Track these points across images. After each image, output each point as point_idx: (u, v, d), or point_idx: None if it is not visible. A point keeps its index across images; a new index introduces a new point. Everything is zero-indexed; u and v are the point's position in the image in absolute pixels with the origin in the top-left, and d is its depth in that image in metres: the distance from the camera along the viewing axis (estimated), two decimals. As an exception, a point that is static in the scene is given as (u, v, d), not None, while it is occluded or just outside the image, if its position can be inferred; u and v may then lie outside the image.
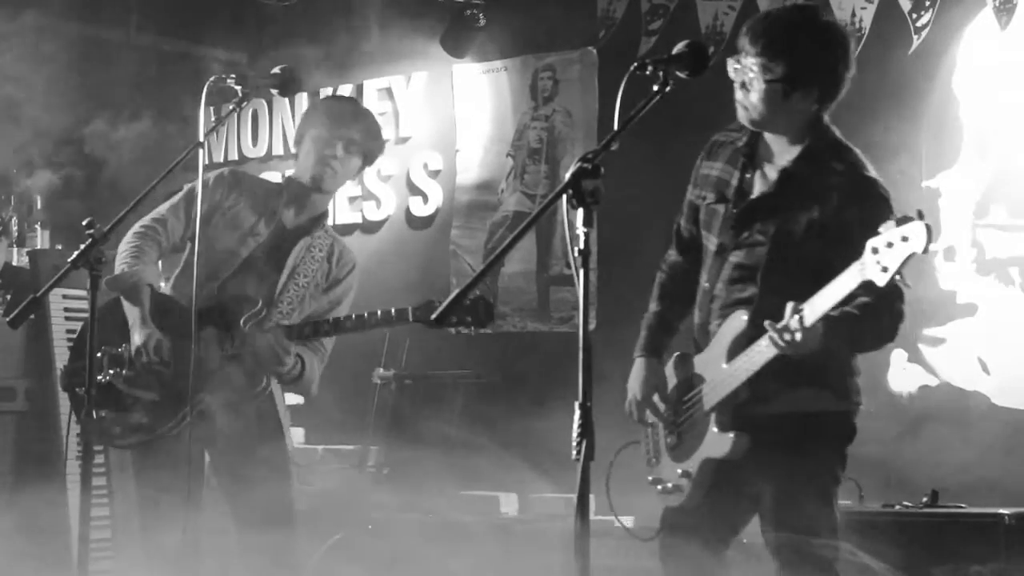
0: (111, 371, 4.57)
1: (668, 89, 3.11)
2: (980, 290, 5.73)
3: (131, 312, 4.58)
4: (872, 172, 3.71)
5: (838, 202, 3.62)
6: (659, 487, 3.87)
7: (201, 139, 4.25)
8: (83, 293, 4.78)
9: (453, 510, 5.99)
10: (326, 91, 7.51)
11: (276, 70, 4.52)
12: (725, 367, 3.69)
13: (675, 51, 3.17)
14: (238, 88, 4.37)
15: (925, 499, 5.11)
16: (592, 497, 2.86)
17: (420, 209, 7.58)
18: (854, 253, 3.34)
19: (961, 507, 5.03)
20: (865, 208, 3.57)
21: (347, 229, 7.52)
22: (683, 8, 6.43)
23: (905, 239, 3.24)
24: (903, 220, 3.26)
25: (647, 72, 3.12)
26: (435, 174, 7.54)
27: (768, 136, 3.79)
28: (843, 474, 3.80)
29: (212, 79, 4.36)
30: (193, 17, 7.92)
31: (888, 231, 3.28)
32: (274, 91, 4.60)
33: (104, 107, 6.54)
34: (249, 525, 4.63)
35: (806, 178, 3.69)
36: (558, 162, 7.03)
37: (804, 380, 3.66)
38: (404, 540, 5.81)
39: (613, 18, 6.72)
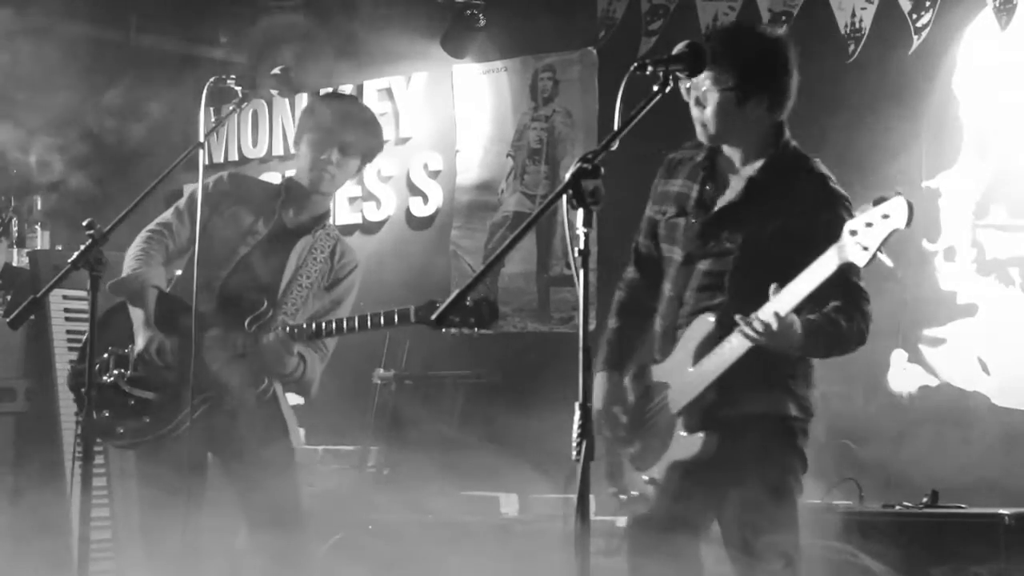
0: (116, 372, 4.58)
1: (668, 89, 3.12)
2: (980, 290, 5.72)
3: (135, 315, 4.61)
4: (835, 182, 3.78)
5: (804, 209, 3.68)
6: (622, 497, 3.88)
7: (201, 139, 4.26)
8: (83, 294, 4.79)
9: (453, 510, 5.98)
10: (326, 91, 7.49)
11: (276, 70, 4.53)
12: (691, 370, 3.73)
13: (675, 51, 3.20)
14: (238, 88, 4.38)
15: (925, 499, 5.11)
16: (592, 497, 2.86)
17: (420, 209, 7.57)
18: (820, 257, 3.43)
19: (961, 507, 5.04)
20: (832, 214, 3.63)
21: (347, 230, 7.50)
22: (683, 8, 6.43)
23: (886, 216, 3.33)
24: (880, 200, 3.33)
25: (647, 72, 3.14)
26: (435, 174, 7.54)
27: (727, 149, 3.87)
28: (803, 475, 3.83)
29: (212, 80, 4.37)
30: (193, 17, 7.92)
31: (866, 212, 3.34)
32: (274, 91, 4.60)
33: (104, 107, 6.53)
34: (259, 526, 4.64)
35: (772, 187, 3.76)
36: (558, 162, 7.02)
37: (771, 383, 3.72)
38: (404, 540, 5.80)
39: (613, 18, 6.71)
